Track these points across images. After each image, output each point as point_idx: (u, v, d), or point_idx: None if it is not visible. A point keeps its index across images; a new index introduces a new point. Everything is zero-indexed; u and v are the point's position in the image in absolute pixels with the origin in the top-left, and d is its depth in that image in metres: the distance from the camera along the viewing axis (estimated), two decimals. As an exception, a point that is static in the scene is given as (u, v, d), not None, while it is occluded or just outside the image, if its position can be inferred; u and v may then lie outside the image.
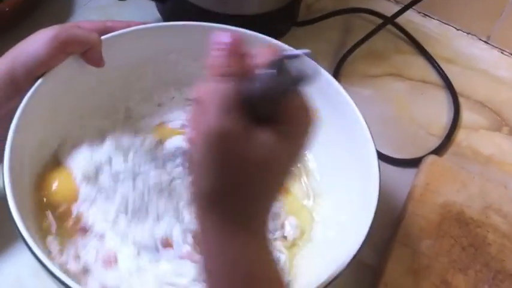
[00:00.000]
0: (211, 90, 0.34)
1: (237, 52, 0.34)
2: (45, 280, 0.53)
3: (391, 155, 0.67)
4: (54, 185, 0.53)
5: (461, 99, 0.75)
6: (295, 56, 0.33)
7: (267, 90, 0.33)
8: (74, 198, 0.52)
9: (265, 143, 0.34)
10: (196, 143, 0.34)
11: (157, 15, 0.76)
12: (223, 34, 0.35)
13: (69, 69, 0.54)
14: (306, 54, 0.33)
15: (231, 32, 0.35)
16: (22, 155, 0.49)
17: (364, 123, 0.54)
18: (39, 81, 0.51)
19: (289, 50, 0.35)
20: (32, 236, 0.43)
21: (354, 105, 0.55)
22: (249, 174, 0.34)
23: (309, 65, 0.33)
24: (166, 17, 0.76)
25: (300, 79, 0.33)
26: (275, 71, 0.33)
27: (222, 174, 0.34)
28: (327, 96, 0.58)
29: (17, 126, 0.48)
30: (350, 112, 0.55)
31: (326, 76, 0.58)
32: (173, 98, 0.63)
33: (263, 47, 0.36)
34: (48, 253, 0.49)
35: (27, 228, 0.43)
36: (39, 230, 0.50)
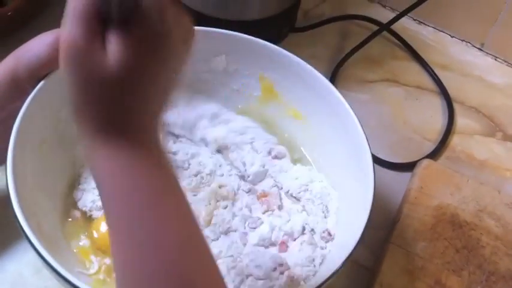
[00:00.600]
0: (69, 2, 0.34)
1: None
2: (46, 278, 0.55)
3: (386, 159, 0.68)
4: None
5: (455, 105, 0.76)
6: None
7: None
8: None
9: (116, 50, 0.34)
10: (60, 54, 0.35)
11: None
12: None
13: None
14: None
15: None
16: (24, 156, 0.50)
17: (360, 127, 0.55)
18: (42, 82, 0.52)
19: None
20: (35, 234, 0.44)
21: (350, 110, 0.56)
22: (106, 83, 0.34)
23: None
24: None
25: None
26: None
27: (80, 83, 0.35)
28: (324, 101, 0.59)
29: (20, 126, 0.49)
30: (346, 116, 0.57)
31: (323, 81, 0.59)
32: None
33: None
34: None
35: (30, 227, 0.44)
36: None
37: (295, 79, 0.61)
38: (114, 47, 0.34)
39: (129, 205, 0.36)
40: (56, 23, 0.73)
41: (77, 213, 0.56)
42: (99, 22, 0.34)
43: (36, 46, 0.52)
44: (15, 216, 0.45)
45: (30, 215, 0.46)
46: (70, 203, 0.56)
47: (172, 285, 0.34)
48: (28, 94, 0.51)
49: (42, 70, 0.52)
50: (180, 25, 0.37)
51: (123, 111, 0.36)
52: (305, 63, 0.60)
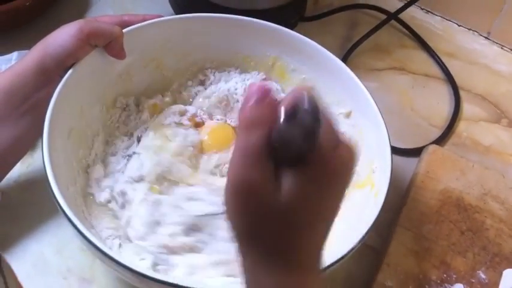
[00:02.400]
0: (239, 140, 0.35)
1: (266, 101, 0.35)
2: (66, 258, 0.57)
3: (394, 145, 0.70)
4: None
5: (462, 92, 0.78)
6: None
7: (282, 139, 0.34)
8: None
9: (291, 187, 0.34)
10: (225, 192, 0.36)
11: (170, 9, 0.79)
12: (253, 85, 0.36)
13: (95, 60, 0.57)
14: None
15: (260, 84, 0.36)
16: (57, 142, 0.52)
17: (379, 114, 0.58)
18: (70, 71, 0.54)
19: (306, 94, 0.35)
20: (73, 211, 0.47)
21: (368, 94, 0.59)
22: (278, 216, 0.35)
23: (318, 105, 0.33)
24: (178, 12, 0.79)
25: (311, 126, 0.33)
26: (284, 119, 0.33)
27: (248, 221, 0.36)
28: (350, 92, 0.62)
29: (52, 114, 0.52)
30: (365, 101, 0.59)
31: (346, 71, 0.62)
32: (193, 87, 0.66)
33: (288, 93, 0.36)
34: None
35: (69, 205, 0.47)
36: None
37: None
38: (287, 185, 0.34)
39: None
40: (71, 14, 0.76)
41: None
42: (271, 159, 0.35)
43: (61, 37, 0.54)
44: (54, 196, 0.47)
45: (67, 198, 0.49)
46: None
47: None
48: (55, 83, 0.54)
49: (68, 60, 0.54)
50: (346, 159, 0.36)
51: (289, 245, 0.36)
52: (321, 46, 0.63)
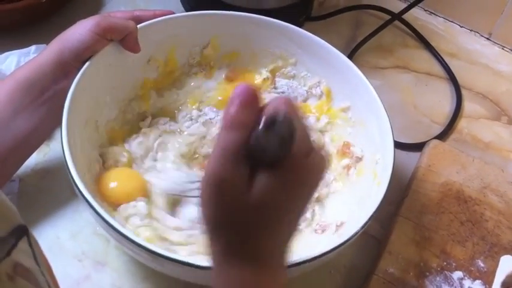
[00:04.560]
0: (220, 138, 0.37)
1: (251, 104, 0.37)
2: (81, 242, 0.59)
3: (396, 140, 0.72)
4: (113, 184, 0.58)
5: (463, 91, 0.80)
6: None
7: (262, 144, 0.36)
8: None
9: (261, 187, 0.37)
10: (202, 183, 0.38)
11: (181, 7, 0.82)
12: (240, 87, 0.38)
13: (111, 53, 0.60)
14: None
15: (246, 86, 0.38)
16: (74, 131, 0.55)
17: (382, 107, 0.60)
18: (87, 63, 0.57)
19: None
20: (91, 195, 0.49)
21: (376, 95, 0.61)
22: (246, 213, 0.38)
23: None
24: (188, 9, 0.81)
25: (283, 139, 0.36)
26: (262, 127, 0.36)
27: (219, 213, 0.38)
28: (355, 89, 0.64)
29: (70, 105, 0.54)
30: (371, 99, 0.62)
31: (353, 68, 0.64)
32: (203, 84, 0.69)
33: (273, 100, 0.38)
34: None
35: (89, 191, 0.49)
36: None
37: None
38: (259, 185, 0.37)
39: None
40: (86, 10, 0.79)
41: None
42: (248, 159, 0.37)
43: (78, 31, 0.57)
44: (75, 183, 0.50)
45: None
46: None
47: None
48: (72, 76, 0.56)
49: (85, 53, 0.57)
50: (317, 166, 0.39)
51: (255, 237, 0.39)
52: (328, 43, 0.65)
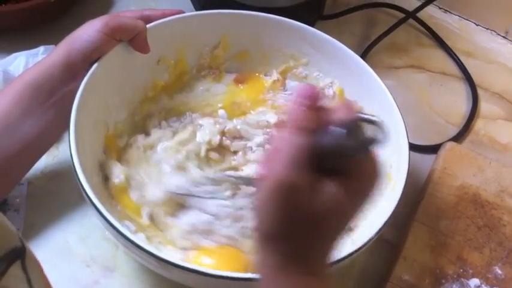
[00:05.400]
0: (286, 140, 0.35)
1: (314, 106, 0.36)
2: (90, 246, 0.59)
3: (412, 142, 0.70)
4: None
5: (479, 91, 0.78)
6: (369, 121, 0.35)
7: (336, 148, 0.35)
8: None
9: (330, 197, 0.35)
10: (263, 189, 0.36)
11: (191, 6, 0.81)
12: (304, 88, 0.37)
13: (120, 54, 0.59)
14: (379, 123, 0.35)
15: (312, 86, 0.37)
16: (83, 134, 0.54)
17: (396, 108, 0.59)
18: (96, 64, 0.56)
19: (365, 114, 0.38)
20: (98, 199, 0.48)
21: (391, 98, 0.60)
22: (310, 224, 0.36)
23: (381, 131, 0.35)
24: (198, 9, 0.80)
25: (369, 143, 0.35)
26: (346, 131, 0.35)
27: (282, 222, 0.36)
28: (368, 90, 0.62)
29: (78, 107, 0.53)
30: (385, 101, 0.60)
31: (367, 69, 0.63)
32: (212, 87, 0.68)
33: (342, 105, 0.38)
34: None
35: (96, 194, 0.48)
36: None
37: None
38: (330, 191, 0.35)
39: None
40: (95, 10, 0.78)
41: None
42: (312, 166, 0.36)
43: (86, 32, 0.56)
44: (82, 187, 0.49)
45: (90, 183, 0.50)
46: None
47: None
48: (80, 77, 0.55)
49: (94, 54, 0.56)
50: (374, 176, 0.38)
51: (316, 248, 0.37)
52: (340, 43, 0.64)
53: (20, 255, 0.29)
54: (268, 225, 0.36)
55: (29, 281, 0.29)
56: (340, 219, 0.37)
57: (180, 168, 0.59)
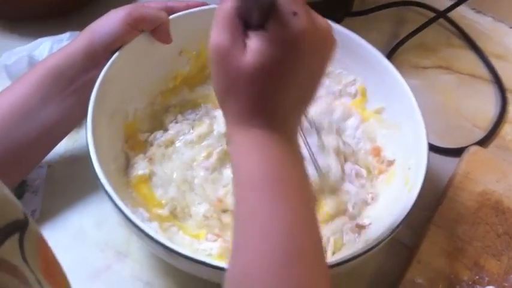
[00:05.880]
0: (217, 10, 0.39)
1: None
2: (105, 231, 0.59)
3: (436, 144, 0.69)
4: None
5: (508, 95, 0.76)
6: None
7: (252, 1, 0.38)
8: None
9: (254, 50, 0.38)
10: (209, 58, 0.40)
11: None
12: None
13: (141, 44, 0.59)
14: None
15: None
16: (101, 121, 0.54)
17: (418, 110, 0.57)
18: (116, 54, 0.56)
19: None
20: (113, 187, 0.49)
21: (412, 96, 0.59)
22: (247, 79, 0.38)
23: None
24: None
25: None
26: None
27: (225, 80, 0.40)
28: (391, 90, 0.61)
29: (97, 95, 0.53)
30: (407, 102, 0.59)
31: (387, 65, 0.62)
32: None
33: None
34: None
35: (110, 182, 0.49)
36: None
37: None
38: (253, 47, 0.38)
39: (260, 174, 0.39)
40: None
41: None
42: (242, 27, 0.39)
43: (109, 21, 0.56)
44: (95, 173, 0.50)
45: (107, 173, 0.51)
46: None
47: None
48: (101, 66, 0.56)
49: (115, 43, 0.56)
50: (316, 27, 0.39)
51: (263, 101, 0.39)
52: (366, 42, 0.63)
53: (19, 228, 0.29)
54: (217, 85, 0.40)
55: (23, 256, 0.29)
56: (277, 71, 0.38)
57: (214, 170, 0.59)
